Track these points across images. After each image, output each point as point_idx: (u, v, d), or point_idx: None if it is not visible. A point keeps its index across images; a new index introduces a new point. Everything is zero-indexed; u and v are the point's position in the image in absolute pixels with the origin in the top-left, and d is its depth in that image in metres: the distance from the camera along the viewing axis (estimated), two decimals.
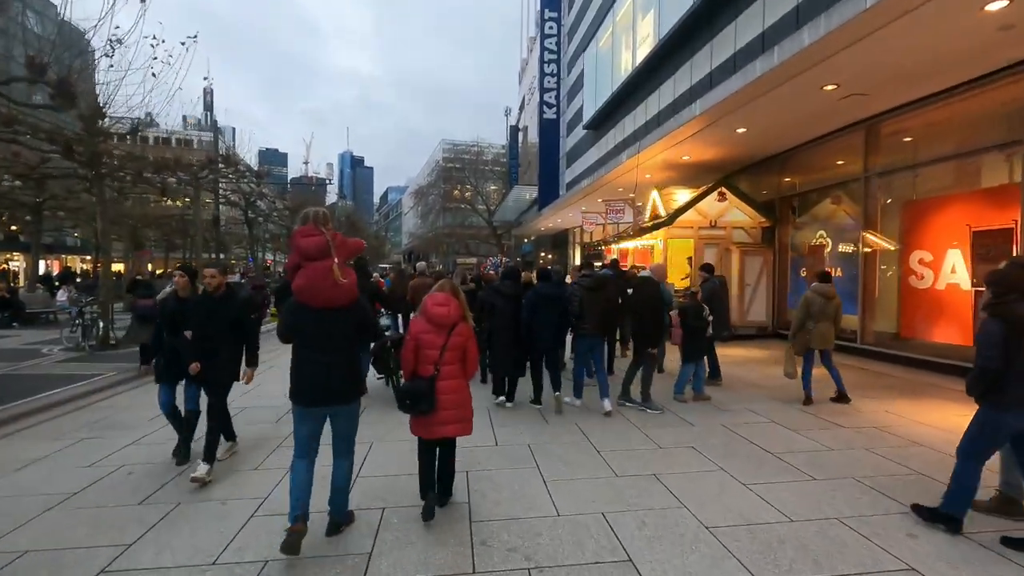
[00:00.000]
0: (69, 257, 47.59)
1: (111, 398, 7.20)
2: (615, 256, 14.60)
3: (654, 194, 13.60)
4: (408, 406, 3.47)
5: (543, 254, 39.43)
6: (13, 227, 22.57)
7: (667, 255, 12.40)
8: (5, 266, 38.94)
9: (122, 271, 31.38)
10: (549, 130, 32.53)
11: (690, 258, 12.42)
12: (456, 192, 59.41)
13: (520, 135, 50.80)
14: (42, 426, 6.01)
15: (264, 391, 7.47)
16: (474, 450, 4.99)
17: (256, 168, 25.82)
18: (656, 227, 12.28)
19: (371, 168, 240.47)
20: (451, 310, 3.54)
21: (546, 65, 31.91)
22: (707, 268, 7.88)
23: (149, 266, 35.14)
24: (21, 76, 7.61)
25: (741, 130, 10.09)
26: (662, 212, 12.87)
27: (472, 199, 55.95)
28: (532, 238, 43.38)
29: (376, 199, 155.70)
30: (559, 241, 33.75)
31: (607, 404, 6.17)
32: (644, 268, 9.85)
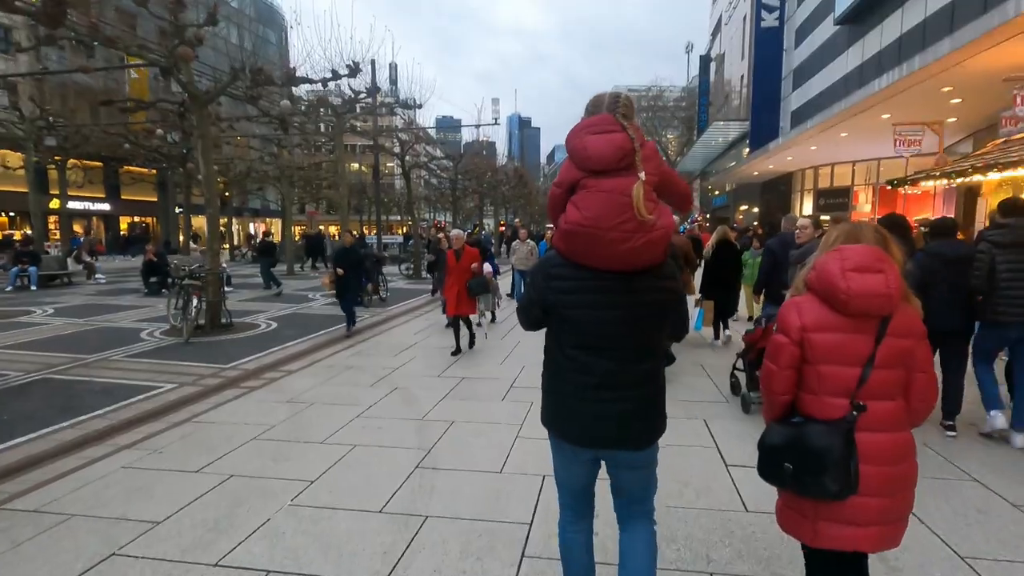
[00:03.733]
0: (271, 220, 52.16)
1: (80, 470, 3.80)
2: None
3: None
4: (789, 476, 1.76)
5: (743, 208, 32.01)
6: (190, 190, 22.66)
7: None
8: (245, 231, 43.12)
9: (300, 232, 32.02)
10: (768, 43, 24.91)
11: None
12: None
13: (712, 66, 42.41)
14: None
15: (345, 482, 3.47)
16: None
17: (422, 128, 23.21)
18: None
19: (538, 128, 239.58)
20: (890, 281, 1.71)
21: None
22: None
23: (322, 228, 35.62)
24: None
25: None
26: None
27: None
28: (728, 188, 35.83)
29: (543, 159, 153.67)
30: (773, 189, 26.24)
31: (1019, 439, 3.85)
32: None
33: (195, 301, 7.96)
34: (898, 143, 10.19)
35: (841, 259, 1.77)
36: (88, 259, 16.52)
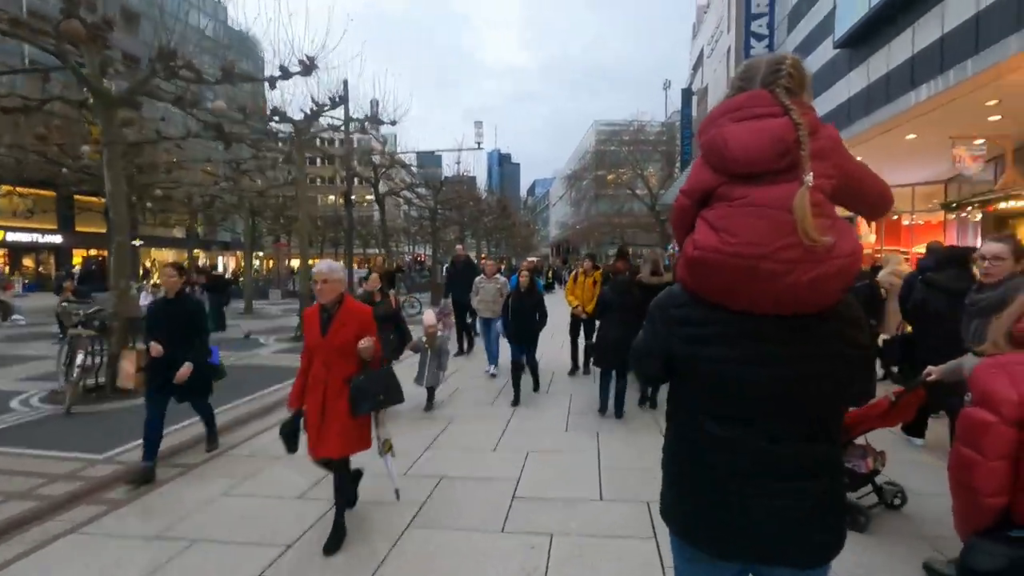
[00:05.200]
0: (241, 254, 49.81)
1: None
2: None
3: None
4: None
5: None
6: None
7: None
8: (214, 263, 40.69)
9: (267, 266, 29.87)
10: None
11: None
12: (610, 177, 54.02)
13: (694, 100, 42.17)
14: None
15: None
16: None
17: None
18: None
19: (518, 164, 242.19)
20: None
21: None
22: None
23: (289, 262, 33.55)
24: None
25: None
26: None
27: (631, 182, 49.30)
28: None
29: (523, 194, 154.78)
30: None
31: None
32: None
33: (80, 357, 5.96)
34: (959, 160, 8.84)
35: None
36: (3, 298, 14.28)
